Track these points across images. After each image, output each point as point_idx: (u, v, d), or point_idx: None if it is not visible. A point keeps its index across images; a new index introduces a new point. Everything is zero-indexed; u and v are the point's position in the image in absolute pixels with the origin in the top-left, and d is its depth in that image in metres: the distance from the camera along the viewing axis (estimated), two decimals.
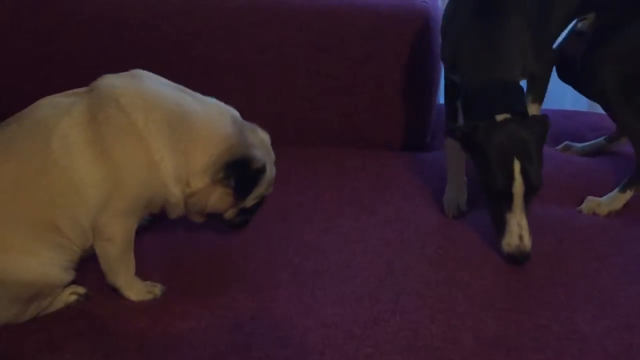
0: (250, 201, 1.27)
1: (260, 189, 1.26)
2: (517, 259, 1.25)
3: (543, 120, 1.29)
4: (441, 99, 1.73)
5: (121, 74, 1.22)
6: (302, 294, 1.21)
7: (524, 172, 1.22)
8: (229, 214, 1.27)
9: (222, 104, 1.26)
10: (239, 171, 1.20)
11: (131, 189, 1.15)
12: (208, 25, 1.71)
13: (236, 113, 1.26)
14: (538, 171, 1.24)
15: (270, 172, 1.28)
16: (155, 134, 1.14)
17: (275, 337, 1.11)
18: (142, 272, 1.23)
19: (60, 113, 1.14)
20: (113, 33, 1.73)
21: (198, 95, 1.24)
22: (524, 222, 1.24)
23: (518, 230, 1.23)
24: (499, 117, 1.25)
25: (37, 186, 1.12)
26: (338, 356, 1.06)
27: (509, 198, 1.23)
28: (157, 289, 1.23)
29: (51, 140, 1.12)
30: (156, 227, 1.17)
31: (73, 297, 1.20)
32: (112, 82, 1.18)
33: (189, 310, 1.17)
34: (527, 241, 1.24)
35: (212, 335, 1.11)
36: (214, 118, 1.22)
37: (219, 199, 1.23)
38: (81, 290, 1.22)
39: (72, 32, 1.74)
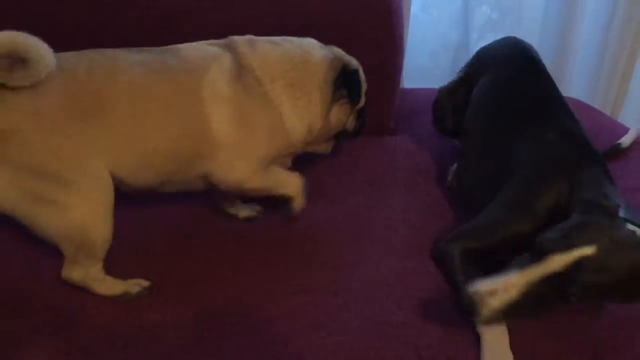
0: (362, 99, 1.40)
1: (364, 85, 1.41)
2: (466, 305, 1.00)
3: None
4: (405, 84, 1.73)
5: (237, 39, 1.29)
6: (268, 284, 1.20)
7: (581, 264, 0.96)
8: (350, 123, 1.41)
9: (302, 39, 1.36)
10: (347, 79, 1.33)
11: (261, 153, 1.24)
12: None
13: (314, 40, 1.38)
14: (594, 282, 0.96)
15: (360, 70, 1.41)
16: (285, 100, 1.26)
17: (244, 326, 1.11)
18: (111, 266, 1.20)
19: (211, 58, 1.21)
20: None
21: (287, 38, 1.34)
22: (513, 291, 0.98)
23: (501, 287, 0.98)
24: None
25: (180, 117, 1.16)
26: (305, 344, 1.06)
27: (537, 257, 1.00)
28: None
29: (203, 81, 1.17)
30: (126, 219, 1.16)
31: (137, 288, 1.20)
32: (244, 50, 1.26)
33: (157, 302, 1.16)
34: (495, 302, 0.98)
35: (182, 326, 1.11)
36: (311, 53, 1.32)
37: (339, 115, 1.37)
38: (145, 283, 1.20)
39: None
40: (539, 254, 0.99)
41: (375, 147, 1.69)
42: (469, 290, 0.99)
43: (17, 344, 1.08)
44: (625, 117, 2.32)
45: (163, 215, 1.40)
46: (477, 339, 1.08)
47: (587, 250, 0.96)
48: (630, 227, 1.02)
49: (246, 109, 1.21)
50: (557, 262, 0.97)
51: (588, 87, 2.28)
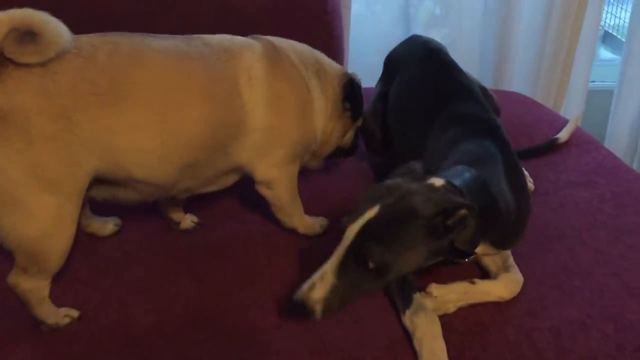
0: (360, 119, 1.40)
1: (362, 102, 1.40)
2: (296, 309, 0.98)
3: (462, 212, 0.97)
4: None
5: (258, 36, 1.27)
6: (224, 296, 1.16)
7: (368, 227, 0.96)
8: (347, 138, 1.41)
9: None
10: (352, 92, 1.34)
11: (294, 138, 1.23)
12: None
13: None
14: (385, 247, 0.96)
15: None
16: (315, 86, 1.27)
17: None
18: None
19: (242, 45, 1.19)
20: None
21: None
22: (329, 277, 0.97)
23: (317, 278, 0.97)
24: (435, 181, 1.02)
25: (214, 103, 1.12)
26: None
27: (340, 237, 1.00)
28: (325, 222, 1.35)
29: (238, 69, 1.15)
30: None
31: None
32: (272, 39, 1.26)
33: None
34: (316, 293, 0.96)
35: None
36: (322, 55, 1.35)
37: (341, 128, 1.36)
38: (75, 313, 1.13)
39: None
40: (340, 233, 1.00)
41: None
42: (295, 294, 0.99)
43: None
44: (568, 110, 2.34)
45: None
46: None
47: (371, 212, 0.97)
48: (430, 181, 1.01)
49: (282, 90, 1.20)
50: (351, 232, 0.97)
51: (529, 81, 2.30)
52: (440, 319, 1.09)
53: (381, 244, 0.96)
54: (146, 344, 1.07)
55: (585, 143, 1.65)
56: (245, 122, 1.16)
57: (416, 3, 2.27)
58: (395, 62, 1.54)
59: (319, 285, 0.97)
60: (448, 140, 1.21)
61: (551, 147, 1.63)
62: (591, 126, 2.11)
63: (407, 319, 1.09)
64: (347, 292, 0.98)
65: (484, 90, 1.44)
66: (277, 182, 1.25)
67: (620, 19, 2.79)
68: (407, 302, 1.10)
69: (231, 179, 1.26)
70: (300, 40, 1.56)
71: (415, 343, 1.06)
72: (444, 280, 1.14)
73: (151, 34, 1.13)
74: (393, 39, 2.29)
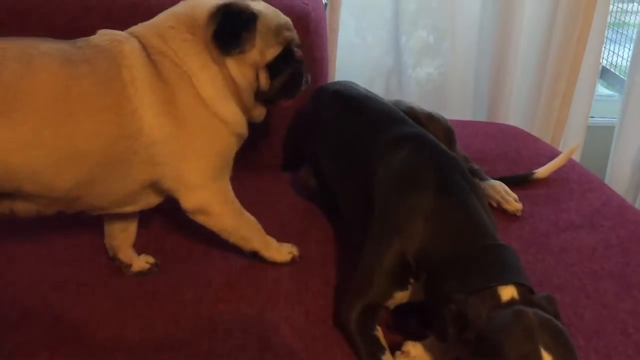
0: (264, 54, 1.11)
1: (264, 38, 1.10)
2: None
3: (550, 297, 0.90)
4: None
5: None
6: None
7: None
8: (262, 80, 1.12)
9: None
10: (222, 21, 1.07)
11: (209, 146, 1.08)
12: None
13: None
14: None
15: (275, 18, 1.13)
16: (195, 69, 1.06)
17: None
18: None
19: (121, 40, 1.04)
20: None
21: None
22: None
23: None
24: (503, 292, 0.87)
25: (107, 116, 0.98)
26: None
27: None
28: (296, 250, 1.20)
29: (122, 69, 1.01)
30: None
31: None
32: (140, 30, 1.09)
33: None
34: None
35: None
36: (199, 3, 1.10)
37: (240, 71, 1.10)
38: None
39: None
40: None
41: (290, 183, 1.51)
42: None
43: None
44: (566, 146, 2.22)
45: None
46: None
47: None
48: None
49: (166, 92, 1.04)
50: None
51: (526, 115, 2.18)
52: None
53: None
54: None
55: (587, 181, 1.51)
56: (141, 131, 1.01)
57: (408, 32, 2.17)
58: (312, 117, 1.43)
59: None
60: (401, 163, 1.10)
61: (525, 181, 1.48)
62: (591, 163, 1.98)
63: None
64: None
65: (415, 112, 1.35)
66: (211, 205, 1.09)
67: (618, 55, 2.71)
68: None
69: (153, 199, 1.11)
70: None
71: None
72: (417, 335, 1.00)
73: (38, 38, 1.01)
74: (384, 68, 2.22)
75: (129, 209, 1.11)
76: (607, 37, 2.58)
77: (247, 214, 1.16)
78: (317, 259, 1.24)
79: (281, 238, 1.24)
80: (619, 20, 2.66)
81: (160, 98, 1.03)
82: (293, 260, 1.19)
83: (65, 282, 1.16)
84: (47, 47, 0.98)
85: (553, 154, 1.63)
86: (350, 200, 1.25)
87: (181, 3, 1.14)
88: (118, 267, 1.20)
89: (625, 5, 2.66)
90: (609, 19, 2.28)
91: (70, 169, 0.97)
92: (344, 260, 1.24)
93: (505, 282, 0.88)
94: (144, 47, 1.05)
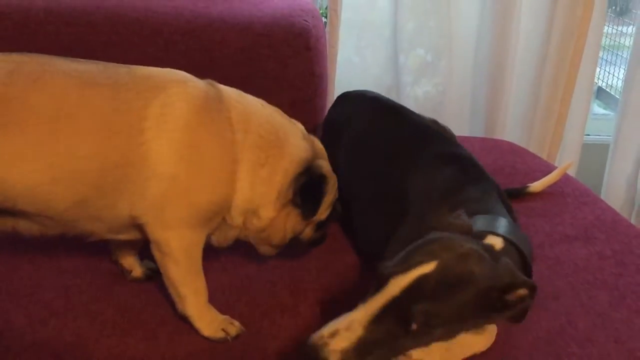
0: (322, 214, 1.19)
1: (328, 200, 1.19)
2: (307, 354, 0.87)
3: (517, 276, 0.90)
4: None
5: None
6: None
7: (419, 284, 0.86)
8: (306, 233, 1.19)
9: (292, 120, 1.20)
10: (305, 185, 1.12)
11: (201, 200, 1.04)
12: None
13: (301, 126, 1.20)
14: (436, 311, 0.86)
15: (334, 180, 1.20)
16: (247, 158, 1.07)
17: None
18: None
19: (174, 79, 1.06)
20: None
21: (278, 110, 1.18)
22: (357, 327, 0.86)
23: (342, 326, 0.86)
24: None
25: (112, 140, 0.98)
26: None
27: (379, 286, 0.88)
28: (234, 329, 1.07)
29: (151, 101, 1.00)
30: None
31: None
32: (230, 92, 1.12)
33: None
34: (338, 342, 0.85)
35: None
36: (292, 134, 1.14)
37: (293, 221, 1.15)
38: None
39: None
40: (380, 282, 0.88)
41: None
42: (311, 336, 0.87)
43: None
44: (562, 162, 2.25)
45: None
46: None
47: (426, 268, 0.86)
48: (489, 241, 0.95)
49: (201, 140, 1.04)
50: (396, 285, 0.86)
51: (523, 132, 2.22)
52: None
53: (430, 305, 0.85)
54: None
55: (582, 195, 1.54)
56: (144, 163, 0.99)
57: (406, 50, 2.21)
58: (338, 124, 1.46)
59: (344, 335, 0.85)
60: (442, 183, 1.14)
61: (519, 194, 1.50)
62: (586, 179, 2.01)
63: None
64: (373, 349, 0.87)
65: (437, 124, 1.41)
66: (172, 247, 1.05)
67: (614, 75, 2.76)
68: None
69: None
70: (280, 75, 1.48)
71: None
72: None
73: (70, 58, 1.02)
74: (382, 86, 2.26)
75: (123, 237, 1.10)
76: (603, 59, 2.64)
77: (201, 279, 1.10)
78: (315, 268, 1.26)
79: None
80: (615, 42, 2.71)
81: (187, 140, 1.02)
82: (224, 339, 1.06)
83: (68, 289, 1.17)
84: (67, 66, 1.00)
85: (549, 169, 1.66)
86: (371, 210, 1.26)
87: (279, 116, 1.16)
88: (121, 274, 1.22)
89: (621, 28, 2.72)
90: (604, 41, 2.33)
91: (66, 188, 0.98)
92: (344, 270, 1.26)
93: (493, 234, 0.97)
94: (216, 98, 1.07)
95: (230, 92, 1.12)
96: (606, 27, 2.22)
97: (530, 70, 2.14)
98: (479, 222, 1.00)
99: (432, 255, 0.88)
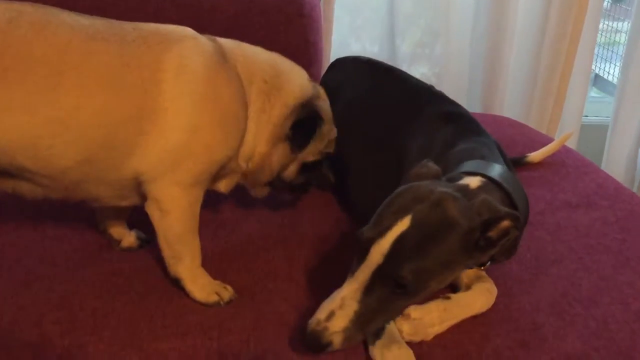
0: (309, 155, 1.17)
1: (319, 144, 1.17)
2: (310, 342, 0.85)
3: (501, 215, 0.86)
4: None
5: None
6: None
7: (400, 243, 0.83)
8: (290, 171, 1.18)
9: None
10: (300, 120, 1.11)
11: (215, 152, 1.03)
12: None
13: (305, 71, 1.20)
14: (421, 266, 0.83)
15: (330, 130, 1.20)
16: (254, 109, 1.08)
17: None
18: None
19: (187, 35, 1.04)
20: None
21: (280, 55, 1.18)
22: (350, 303, 0.84)
23: (336, 305, 0.85)
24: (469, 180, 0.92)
25: (122, 96, 0.95)
26: None
27: (360, 257, 0.86)
28: (227, 294, 1.04)
29: (167, 54, 0.99)
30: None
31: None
32: (229, 44, 1.10)
33: None
34: (337, 324, 0.84)
35: None
36: (294, 74, 1.15)
37: (280, 156, 1.14)
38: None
39: None
40: (362, 251, 0.86)
41: None
42: (309, 324, 0.86)
43: None
44: None
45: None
46: None
47: (401, 226, 0.83)
48: (464, 182, 0.91)
49: (218, 92, 1.02)
50: (377, 252, 0.84)
51: (521, 110, 2.18)
52: (415, 352, 0.91)
53: (416, 262, 0.83)
54: None
55: (583, 166, 1.50)
56: (159, 115, 0.97)
57: (403, 30, 2.18)
58: (332, 90, 1.41)
59: (340, 314, 0.84)
60: (442, 140, 1.10)
61: (517, 164, 1.46)
62: None
63: (376, 350, 0.91)
64: (372, 319, 0.85)
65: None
66: (176, 204, 1.02)
67: (609, 74, 2.70)
68: (379, 330, 0.92)
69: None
70: (273, 43, 1.44)
71: None
72: None
73: (77, 13, 0.99)
74: None
75: (125, 203, 1.07)
76: (598, 55, 2.59)
77: (197, 240, 1.07)
78: (310, 235, 1.23)
79: (275, 218, 1.21)
80: (610, 39, 2.66)
81: (206, 91, 1.01)
82: (216, 304, 1.03)
83: (53, 257, 1.13)
84: (71, 19, 0.97)
85: (548, 142, 1.63)
86: (368, 176, 1.24)
87: (280, 59, 1.16)
88: (108, 242, 1.18)
89: (615, 24, 2.66)
90: (600, 38, 2.31)
91: (67, 145, 0.94)
92: (339, 241, 1.22)
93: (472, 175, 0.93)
94: (220, 52, 1.06)
95: (230, 44, 1.11)
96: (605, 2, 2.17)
97: (529, 48, 2.11)
98: (466, 166, 0.97)
99: (404, 210, 0.85)
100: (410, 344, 0.92)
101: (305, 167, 1.20)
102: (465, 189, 0.90)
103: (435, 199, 0.85)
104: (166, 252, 1.05)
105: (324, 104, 1.19)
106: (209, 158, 1.03)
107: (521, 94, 2.18)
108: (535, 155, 1.49)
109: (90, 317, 0.99)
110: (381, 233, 0.84)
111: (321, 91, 1.20)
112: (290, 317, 1.00)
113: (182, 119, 0.98)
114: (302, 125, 1.12)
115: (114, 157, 0.97)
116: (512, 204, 0.93)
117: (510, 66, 2.12)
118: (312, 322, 0.85)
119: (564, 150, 1.56)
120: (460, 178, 0.93)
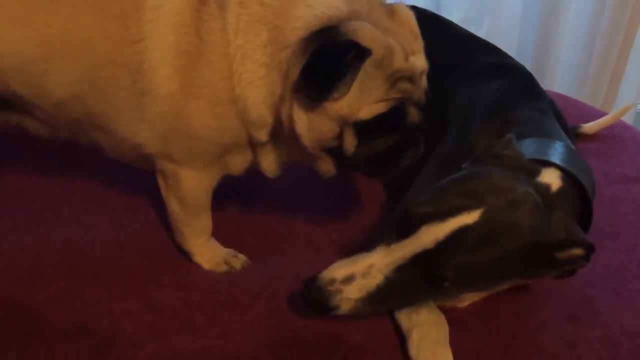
0: (362, 110, 0.79)
1: (374, 90, 0.79)
2: (314, 300, 0.75)
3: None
4: None
5: None
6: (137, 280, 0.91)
7: (459, 237, 0.71)
8: (348, 142, 0.81)
9: None
10: (313, 52, 0.76)
11: (203, 131, 0.84)
12: None
13: None
14: (475, 268, 0.72)
15: (390, 54, 0.79)
16: (243, 46, 0.80)
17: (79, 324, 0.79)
18: None
19: None
20: None
21: None
22: (377, 275, 0.74)
23: (360, 270, 0.74)
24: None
25: (105, 26, 0.83)
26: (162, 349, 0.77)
27: (406, 228, 0.74)
28: (238, 262, 0.97)
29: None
30: None
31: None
32: None
33: None
34: (353, 290, 0.74)
35: None
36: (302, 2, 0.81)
37: (316, 119, 0.80)
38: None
39: None
40: (408, 224, 0.73)
41: None
42: (320, 278, 0.75)
43: None
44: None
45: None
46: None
47: (468, 218, 0.71)
48: (545, 179, 0.78)
49: (192, 49, 0.82)
50: (430, 235, 0.71)
51: (573, 87, 2.03)
52: (447, 317, 0.81)
53: (468, 263, 0.71)
54: None
55: None
56: (140, 70, 0.82)
57: (449, 3, 2.06)
58: None
59: (360, 282, 0.74)
60: (491, 95, 1.00)
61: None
62: None
63: (402, 314, 0.81)
64: (389, 298, 0.75)
65: None
66: (178, 181, 0.91)
67: None
68: None
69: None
70: None
71: (410, 347, 0.78)
72: None
73: None
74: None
75: (139, 165, 0.96)
76: None
77: (203, 220, 0.97)
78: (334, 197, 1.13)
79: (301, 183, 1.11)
80: None
81: (180, 46, 0.82)
82: (228, 272, 0.96)
83: (58, 200, 1.07)
84: None
85: (602, 116, 1.49)
86: None
87: None
88: (117, 190, 1.10)
89: None
90: None
91: (59, 72, 0.86)
92: (368, 201, 1.12)
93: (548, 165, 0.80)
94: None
95: None
96: None
97: (585, 18, 1.95)
98: (531, 147, 0.84)
99: (476, 200, 0.72)
100: (442, 308, 0.81)
101: (368, 132, 0.82)
102: (546, 191, 0.77)
103: (514, 199, 0.73)
104: (175, 224, 0.97)
105: (365, 26, 0.79)
106: (195, 137, 0.86)
107: (574, 70, 2.03)
108: (590, 127, 1.35)
109: (92, 264, 0.93)
110: (441, 216, 0.71)
111: (362, 5, 0.83)
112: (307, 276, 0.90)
113: (160, 82, 0.83)
114: (323, 60, 0.77)
115: (103, 103, 0.86)
116: (587, 203, 0.81)
117: (565, 35, 1.95)
118: (325, 278, 0.74)
119: (621, 125, 1.42)
120: (538, 171, 0.79)
